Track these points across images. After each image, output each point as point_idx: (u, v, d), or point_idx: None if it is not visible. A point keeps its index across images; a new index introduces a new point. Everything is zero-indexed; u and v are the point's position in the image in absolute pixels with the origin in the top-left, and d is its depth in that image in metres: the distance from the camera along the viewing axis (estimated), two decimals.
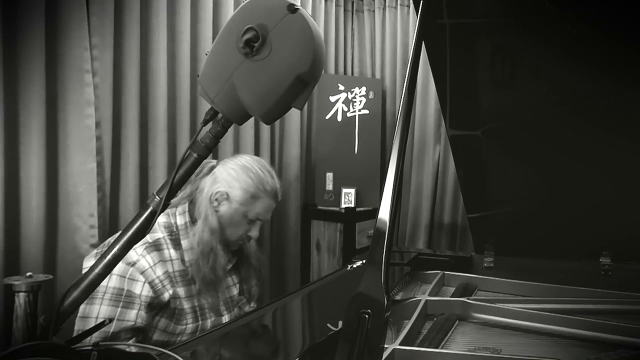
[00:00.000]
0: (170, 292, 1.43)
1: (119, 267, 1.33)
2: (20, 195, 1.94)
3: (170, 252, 1.47)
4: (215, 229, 1.49)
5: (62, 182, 2.07)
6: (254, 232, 1.58)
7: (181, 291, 1.46)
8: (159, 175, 2.38)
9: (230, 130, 2.56)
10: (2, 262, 1.85)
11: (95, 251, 1.48)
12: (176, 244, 1.48)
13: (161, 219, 1.50)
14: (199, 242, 1.47)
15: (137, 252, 1.40)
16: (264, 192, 1.54)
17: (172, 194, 0.84)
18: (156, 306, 1.41)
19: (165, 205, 0.83)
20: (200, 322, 1.49)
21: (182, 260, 1.48)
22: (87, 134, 2.08)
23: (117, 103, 2.25)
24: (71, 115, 2.06)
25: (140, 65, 2.31)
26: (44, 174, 1.97)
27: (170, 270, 1.45)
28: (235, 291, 1.62)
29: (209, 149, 0.84)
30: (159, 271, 1.42)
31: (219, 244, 1.49)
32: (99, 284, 0.83)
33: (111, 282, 1.36)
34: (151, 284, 1.40)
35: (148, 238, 1.43)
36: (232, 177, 1.53)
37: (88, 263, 1.42)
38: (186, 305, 1.46)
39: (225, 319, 1.55)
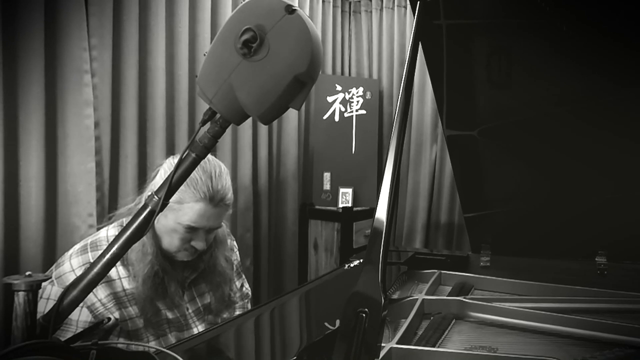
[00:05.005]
0: (117, 314, 1.31)
1: (56, 290, 1.26)
2: (20, 195, 1.94)
3: (118, 269, 1.35)
4: (150, 238, 1.35)
5: (61, 182, 2.07)
6: (199, 244, 1.39)
7: (133, 310, 1.35)
8: None
9: (229, 130, 2.57)
10: (2, 261, 1.86)
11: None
12: (124, 260, 1.35)
13: (110, 232, 1.40)
14: (136, 255, 1.35)
15: (76, 274, 1.28)
16: (191, 195, 1.33)
17: (170, 194, 0.84)
18: (100, 331, 1.28)
19: (164, 205, 0.84)
20: (161, 338, 1.40)
21: (135, 277, 1.35)
22: (86, 134, 2.08)
23: (116, 103, 2.26)
24: (70, 116, 2.06)
25: (139, 65, 2.32)
26: (43, 173, 1.97)
27: (119, 289, 1.34)
28: (208, 299, 1.53)
29: (207, 149, 0.85)
30: (102, 294, 1.31)
31: (159, 256, 1.37)
32: (98, 283, 0.83)
33: (48, 305, 1.21)
34: (91, 308, 1.29)
35: (90, 257, 1.33)
36: (161, 179, 1.34)
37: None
38: (142, 324, 1.36)
39: (199, 329, 1.47)
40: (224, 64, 0.81)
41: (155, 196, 0.83)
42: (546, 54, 1.50)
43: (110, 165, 2.24)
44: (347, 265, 1.75)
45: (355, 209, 3.38)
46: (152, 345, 1.33)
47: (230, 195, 1.41)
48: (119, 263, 1.30)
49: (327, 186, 3.45)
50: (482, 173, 1.79)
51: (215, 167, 1.40)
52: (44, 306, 1.20)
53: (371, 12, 3.71)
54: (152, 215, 0.83)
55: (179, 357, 0.89)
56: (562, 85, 1.53)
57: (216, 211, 1.37)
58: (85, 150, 2.08)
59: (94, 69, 2.14)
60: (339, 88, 3.46)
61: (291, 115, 3.25)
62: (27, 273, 0.75)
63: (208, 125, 0.86)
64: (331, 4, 3.58)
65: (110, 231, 1.42)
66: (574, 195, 1.68)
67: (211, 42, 0.83)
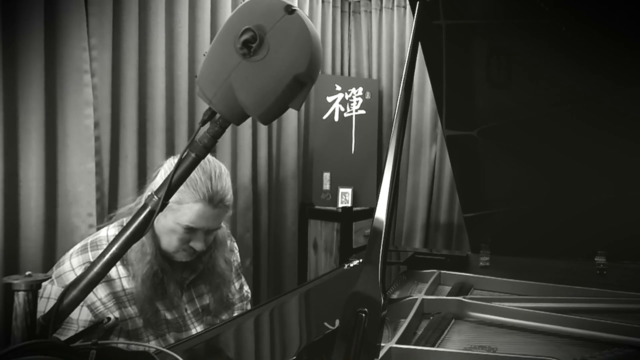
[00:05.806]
0: (116, 313, 1.32)
1: (56, 290, 1.27)
2: (20, 195, 1.94)
3: (117, 269, 1.36)
4: (149, 238, 1.35)
5: (61, 182, 2.07)
6: (197, 244, 1.38)
7: (133, 310, 1.35)
8: None
9: (228, 130, 2.56)
10: (2, 261, 1.86)
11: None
12: (124, 259, 1.35)
13: (111, 232, 1.40)
14: (136, 255, 1.35)
15: (76, 273, 1.29)
16: (190, 196, 1.33)
17: (170, 194, 0.84)
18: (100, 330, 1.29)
19: (164, 205, 0.84)
20: (159, 338, 1.40)
21: (134, 276, 1.35)
22: (86, 134, 2.08)
23: (116, 103, 2.26)
24: (70, 116, 2.06)
25: (138, 65, 2.32)
26: (43, 174, 1.98)
27: (119, 289, 1.35)
28: (207, 300, 1.52)
29: (207, 149, 0.85)
30: (101, 293, 1.32)
31: (158, 256, 1.37)
32: (98, 282, 0.83)
33: (49, 305, 1.21)
34: (91, 307, 1.30)
35: (90, 256, 1.34)
36: (162, 179, 1.33)
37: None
38: (141, 323, 1.36)
39: (197, 330, 1.46)
40: (224, 64, 0.81)
41: (155, 196, 0.83)
42: (546, 54, 1.50)
43: (110, 165, 2.24)
44: (346, 265, 1.75)
45: (354, 209, 3.38)
46: (152, 345, 1.33)
47: (230, 196, 1.41)
48: (118, 262, 1.32)
49: (326, 186, 3.45)
50: (482, 173, 1.79)
51: (216, 167, 1.39)
52: (44, 305, 1.21)
53: (371, 12, 3.71)
54: (151, 215, 0.83)
55: (179, 357, 0.89)
56: (562, 85, 1.54)
57: (215, 212, 1.37)
58: (85, 150, 2.08)
59: (94, 69, 2.14)
60: (338, 88, 3.47)
61: (291, 115, 3.25)
62: (27, 273, 0.75)
63: (208, 125, 0.86)
64: (331, 4, 3.58)
65: (110, 231, 1.42)
66: (573, 195, 1.68)
67: (211, 42, 0.82)
